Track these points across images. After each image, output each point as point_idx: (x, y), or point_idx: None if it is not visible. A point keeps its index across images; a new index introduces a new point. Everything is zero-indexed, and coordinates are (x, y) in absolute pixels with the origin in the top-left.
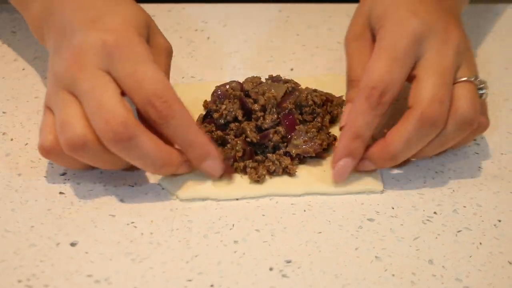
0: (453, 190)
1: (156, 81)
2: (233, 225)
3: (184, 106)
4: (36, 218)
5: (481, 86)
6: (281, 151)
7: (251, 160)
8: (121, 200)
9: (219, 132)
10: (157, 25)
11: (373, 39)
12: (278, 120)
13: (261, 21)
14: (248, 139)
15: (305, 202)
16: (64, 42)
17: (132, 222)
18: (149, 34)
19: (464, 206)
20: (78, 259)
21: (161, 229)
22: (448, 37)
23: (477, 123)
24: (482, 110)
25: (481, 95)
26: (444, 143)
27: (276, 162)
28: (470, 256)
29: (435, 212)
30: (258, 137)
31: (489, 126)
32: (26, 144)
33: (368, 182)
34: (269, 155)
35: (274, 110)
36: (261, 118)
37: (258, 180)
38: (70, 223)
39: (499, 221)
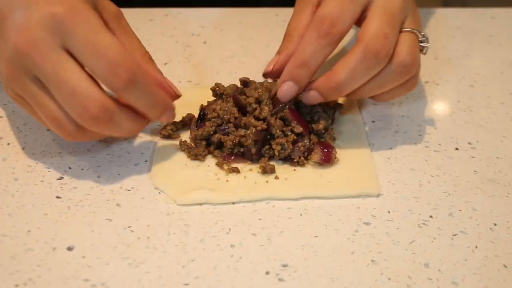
0: (449, 194)
1: (114, 48)
2: (229, 229)
3: (143, 68)
4: (33, 223)
5: (422, 39)
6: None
7: (266, 160)
8: (118, 205)
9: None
10: (154, 30)
11: (318, 2)
12: (274, 110)
13: (258, 26)
14: (262, 117)
15: (301, 206)
16: (7, 21)
17: (129, 226)
18: (95, 1)
19: (460, 210)
20: (75, 264)
21: (158, 233)
22: None
23: (414, 71)
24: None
25: (422, 48)
26: (382, 84)
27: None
28: (466, 260)
29: (431, 216)
30: (265, 125)
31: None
32: (23, 148)
33: (365, 186)
34: (278, 140)
35: (270, 101)
36: (258, 109)
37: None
38: (66, 227)
39: (495, 224)
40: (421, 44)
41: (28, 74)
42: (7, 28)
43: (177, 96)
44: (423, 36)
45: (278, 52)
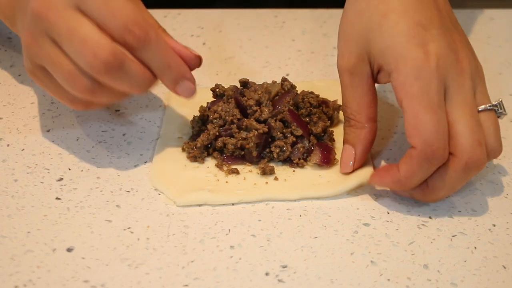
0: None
1: (130, 8)
2: (229, 230)
3: (159, 30)
4: (32, 224)
5: (500, 111)
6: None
7: (265, 160)
8: (118, 206)
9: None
10: None
11: (371, 71)
12: (274, 112)
13: (257, 27)
14: (263, 118)
15: (300, 207)
16: None
17: (129, 228)
18: None
19: (459, 211)
20: (75, 265)
21: (157, 235)
22: (463, 66)
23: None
24: None
25: (498, 116)
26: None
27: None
28: (465, 261)
29: (430, 217)
30: (266, 128)
31: None
32: (23, 149)
33: (361, 176)
34: (277, 142)
35: (270, 102)
36: (258, 111)
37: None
38: (66, 228)
39: (494, 225)
40: (498, 114)
41: (44, 35)
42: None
43: (197, 61)
44: (498, 105)
45: (349, 143)
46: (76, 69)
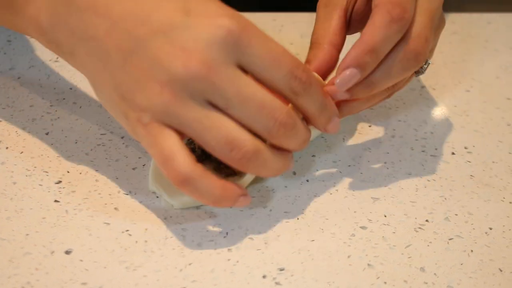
0: (445, 198)
1: (289, 53)
2: (226, 233)
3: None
4: (31, 226)
5: (423, 69)
6: None
7: None
8: (116, 208)
9: None
10: None
11: (346, 4)
12: None
13: None
14: None
15: (298, 210)
16: (152, 43)
17: (127, 230)
18: None
19: (456, 214)
20: (73, 267)
21: (155, 237)
22: None
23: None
24: None
25: (417, 72)
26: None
27: None
28: (462, 264)
29: (427, 220)
30: None
31: None
32: (21, 152)
33: None
34: None
35: None
36: None
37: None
38: (64, 231)
39: (490, 229)
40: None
41: (197, 98)
42: (161, 52)
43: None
44: (427, 64)
45: (307, 61)
46: (241, 133)
